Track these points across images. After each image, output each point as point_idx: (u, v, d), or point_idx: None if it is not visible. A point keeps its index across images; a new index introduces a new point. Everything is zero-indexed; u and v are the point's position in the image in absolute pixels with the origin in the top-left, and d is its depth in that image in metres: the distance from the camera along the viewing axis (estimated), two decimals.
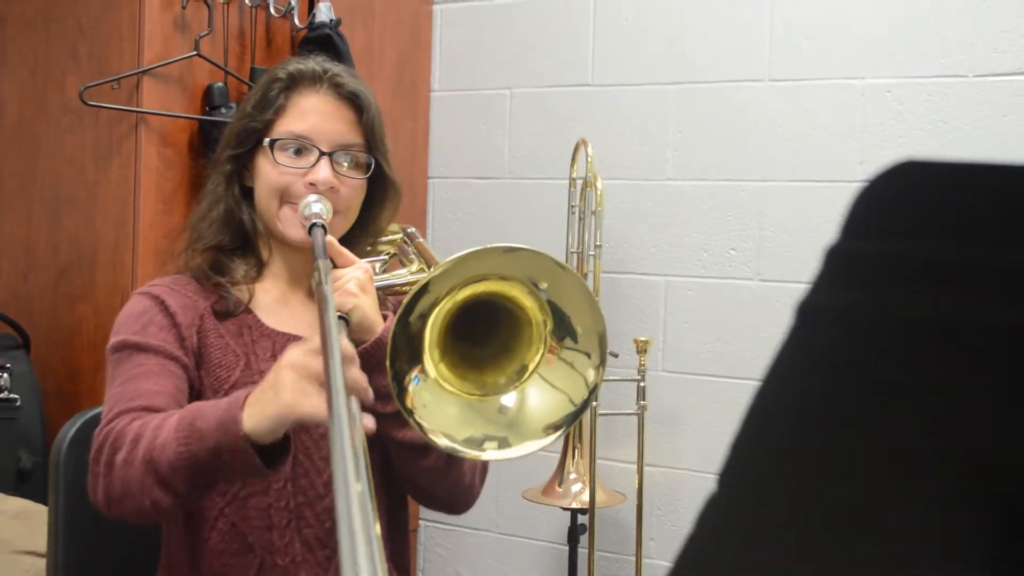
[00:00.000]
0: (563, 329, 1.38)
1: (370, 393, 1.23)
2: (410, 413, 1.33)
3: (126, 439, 1.37)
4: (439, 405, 1.35)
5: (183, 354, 1.53)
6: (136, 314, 1.55)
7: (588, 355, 1.38)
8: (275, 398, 1.25)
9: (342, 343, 1.20)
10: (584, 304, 1.37)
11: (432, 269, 1.32)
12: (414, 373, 1.34)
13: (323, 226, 1.49)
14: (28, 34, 2.45)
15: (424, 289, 1.29)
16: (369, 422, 1.15)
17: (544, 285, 1.36)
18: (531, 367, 1.40)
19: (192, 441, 1.31)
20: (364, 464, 0.94)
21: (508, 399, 1.40)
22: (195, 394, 1.54)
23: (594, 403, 2.53)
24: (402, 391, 1.32)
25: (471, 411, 1.38)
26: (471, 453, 1.37)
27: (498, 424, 1.39)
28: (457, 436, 1.36)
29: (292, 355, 1.27)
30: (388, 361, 1.29)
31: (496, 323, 1.41)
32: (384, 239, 1.72)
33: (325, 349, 1.13)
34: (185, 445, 1.31)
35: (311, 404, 1.22)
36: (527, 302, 1.37)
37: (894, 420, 0.50)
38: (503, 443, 1.38)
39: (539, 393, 1.39)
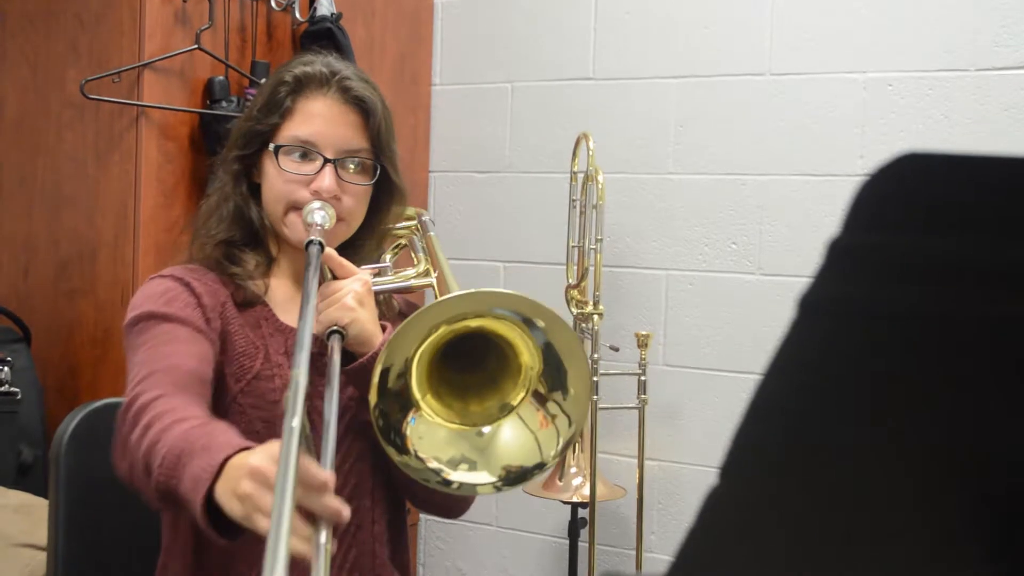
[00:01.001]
0: (555, 380, 1.39)
1: (346, 518, 1.10)
2: (408, 454, 1.36)
3: (142, 421, 1.31)
4: (431, 433, 1.39)
5: (209, 330, 1.50)
6: (159, 292, 1.52)
7: (571, 421, 1.40)
8: (235, 504, 1.14)
9: (311, 471, 1.07)
10: (581, 369, 1.39)
11: (391, 336, 1.32)
12: (409, 417, 1.37)
13: (320, 244, 1.46)
14: (28, 28, 2.44)
15: (387, 362, 1.31)
16: (344, 512, 1.09)
17: (541, 324, 1.36)
18: (512, 405, 1.42)
19: (171, 477, 1.24)
20: None
21: (487, 428, 1.42)
22: (218, 376, 1.51)
23: (595, 397, 2.53)
24: (400, 436, 1.35)
25: (455, 435, 1.41)
26: (443, 472, 1.38)
27: (474, 448, 1.41)
28: (443, 457, 1.38)
29: (256, 460, 1.13)
30: (378, 433, 1.32)
31: (484, 353, 1.42)
32: (400, 225, 1.71)
33: (278, 479, 0.98)
34: (164, 476, 1.25)
35: (266, 523, 1.05)
36: (517, 342, 1.39)
37: (895, 414, 0.50)
38: (472, 466, 1.40)
39: (513, 432, 1.42)
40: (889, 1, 2.54)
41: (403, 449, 1.35)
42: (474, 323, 1.36)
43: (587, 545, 2.59)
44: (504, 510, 3.00)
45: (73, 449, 1.64)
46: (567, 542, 2.68)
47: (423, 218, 1.73)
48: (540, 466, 1.41)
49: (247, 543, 1.51)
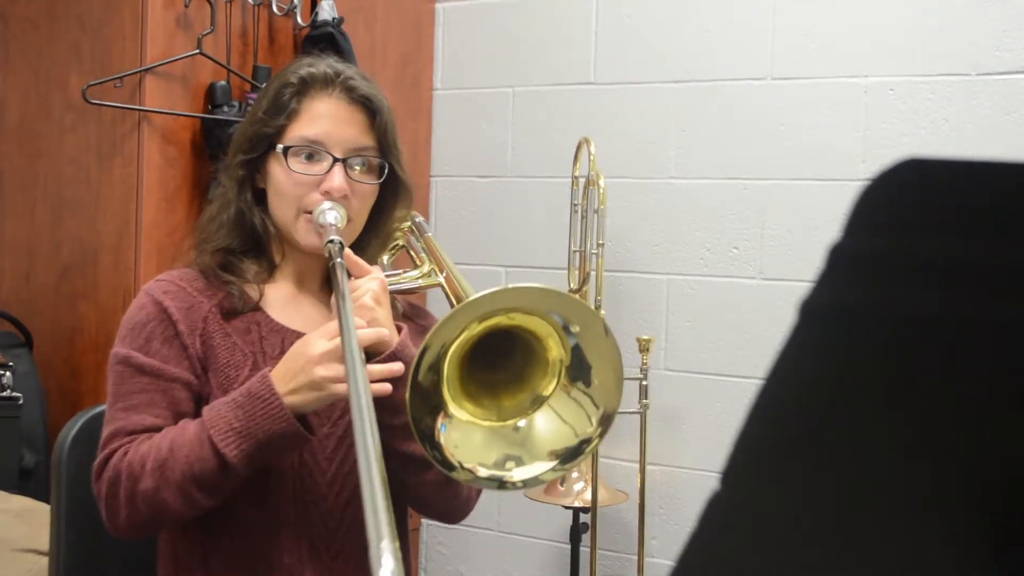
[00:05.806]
0: (580, 372, 1.41)
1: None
2: (454, 468, 1.38)
3: (145, 467, 1.43)
4: (466, 437, 1.40)
5: (186, 368, 1.53)
6: (140, 325, 1.55)
7: (597, 405, 1.42)
8: (307, 382, 1.40)
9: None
10: (612, 369, 1.41)
11: (432, 328, 1.34)
12: (440, 422, 1.38)
13: (340, 243, 1.48)
14: (31, 33, 2.45)
15: (425, 348, 1.32)
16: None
17: (576, 329, 1.38)
18: (544, 396, 1.44)
19: (241, 442, 1.40)
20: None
21: (522, 421, 1.44)
22: (204, 401, 1.54)
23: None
24: (437, 447, 1.37)
25: (492, 435, 1.43)
26: (503, 476, 1.41)
27: (514, 444, 1.43)
28: (487, 461, 1.41)
29: (314, 345, 1.41)
30: (413, 429, 1.34)
31: (511, 350, 1.43)
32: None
33: (342, 330, 1.27)
34: (235, 447, 1.40)
35: (343, 386, 1.37)
36: (547, 337, 1.40)
37: (897, 419, 0.50)
38: (519, 462, 1.42)
39: (547, 421, 1.44)
40: (890, 6, 2.54)
41: (446, 463, 1.37)
42: (512, 320, 1.37)
43: (589, 550, 2.59)
44: (506, 515, 2.99)
45: (75, 454, 1.64)
46: (569, 547, 2.67)
47: (416, 220, 1.73)
48: (586, 441, 1.43)
49: (248, 551, 1.52)
